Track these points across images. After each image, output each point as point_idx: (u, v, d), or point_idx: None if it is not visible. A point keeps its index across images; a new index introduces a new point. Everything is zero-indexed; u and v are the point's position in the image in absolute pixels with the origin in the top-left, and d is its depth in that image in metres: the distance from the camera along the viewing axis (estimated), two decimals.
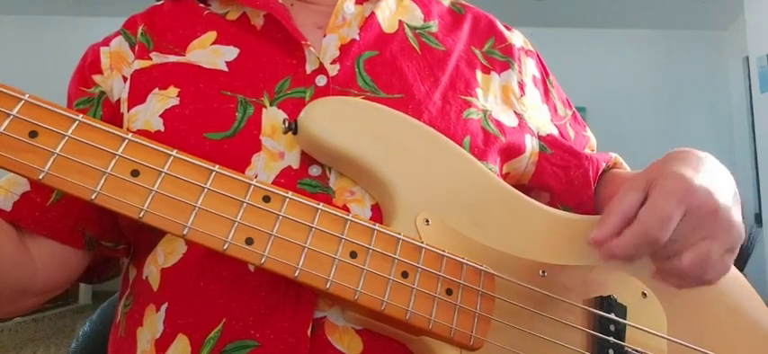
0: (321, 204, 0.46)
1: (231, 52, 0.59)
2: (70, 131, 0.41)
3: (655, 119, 4.66)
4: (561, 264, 0.52)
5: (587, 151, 0.73)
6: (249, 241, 0.43)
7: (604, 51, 4.84)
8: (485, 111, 0.62)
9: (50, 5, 4.79)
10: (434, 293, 0.46)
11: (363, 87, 0.57)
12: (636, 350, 0.51)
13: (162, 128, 0.54)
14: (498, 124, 0.62)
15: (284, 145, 0.53)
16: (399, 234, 0.47)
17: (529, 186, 0.68)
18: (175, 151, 0.44)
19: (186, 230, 0.41)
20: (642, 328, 0.51)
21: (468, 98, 0.62)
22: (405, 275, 0.46)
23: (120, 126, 0.57)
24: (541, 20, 4.54)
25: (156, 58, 0.60)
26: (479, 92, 0.64)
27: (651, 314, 0.53)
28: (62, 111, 0.42)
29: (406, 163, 0.52)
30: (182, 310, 0.50)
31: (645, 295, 0.53)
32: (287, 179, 0.51)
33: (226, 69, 0.58)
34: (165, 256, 0.53)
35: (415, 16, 0.67)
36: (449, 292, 0.47)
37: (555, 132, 0.70)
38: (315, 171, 0.52)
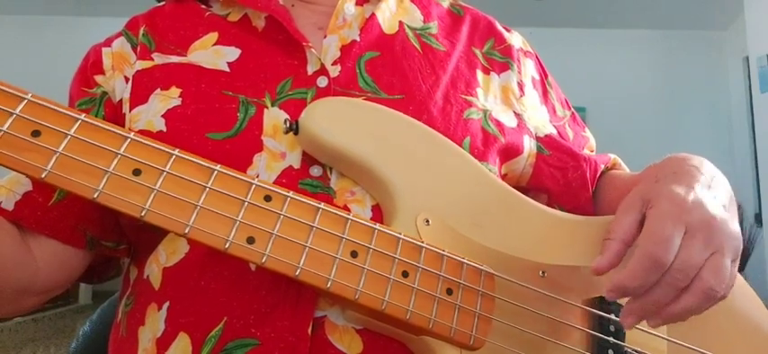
0: (322, 204, 0.46)
1: (233, 53, 0.59)
2: (73, 130, 0.42)
3: (655, 119, 4.67)
4: (561, 264, 0.52)
5: (586, 152, 0.73)
6: (250, 240, 0.43)
7: (604, 51, 4.84)
8: (485, 111, 0.62)
9: (50, 5, 4.79)
10: (435, 292, 0.47)
11: (364, 88, 0.58)
12: (635, 350, 0.51)
13: (164, 129, 0.54)
14: (498, 124, 0.62)
15: (286, 145, 0.53)
16: (400, 233, 0.48)
17: (527, 188, 0.68)
18: (177, 150, 0.44)
19: (188, 229, 0.42)
20: (642, 328, 0.52)
21: (469, 98, 0.62)
22: (405, 274, 0.46)
23: (123, 126, 0.57)
24: (541, 20, 4.54)
25: (158, 59, 0.60)
26: (480, 92, 0.64)
27: None
28: (65, 111, 0.42)
29: (407, 164, 0.52)
30: (183, 309, 0.50)
31: None
32: (288, 179, 0.52)
33: (227, 70, 0.58)
34: (167, 255, 0.53)
35: (415, 17, 0.68)
36: (449, 292, 0.47)
37: (553, 133, 0.70)
38: (316, 171, 0.52)
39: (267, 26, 0.61)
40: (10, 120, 0.40)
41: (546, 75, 0.75)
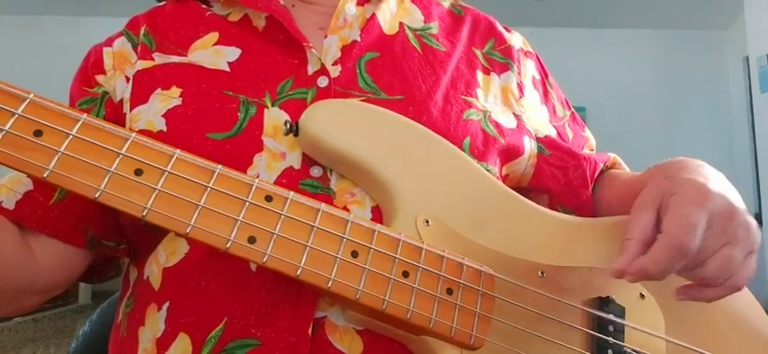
0: (323, 204, 0.46)
1: (233, 53, 0.59)
2: (74, 130, 0.42)
3: (655, 119, 4.67)
4: (560, 265, 0.53)
5: (586, 151, 0.73)
6: (251, 239, 0.43)
7: (604, 51, 4.84)
8: (485, 112, 0.62)
9: (50, 5, 4.79)
10: (435, 292, 0.47)
11: (365, 88, 0.58)
12: (635, 350, 0.51)
13: (164, 128, 0.55)
14: (497, 125, 0.62)
15: (286, 145, 0.53)
16: (400, 234, 0.48)
17: (528, 188, 0.69)
18: (178, 150, 0.44)
19: (189, 228, 0.42)
20: (641, 328, 0.52)
21: (469, 98, 0.62)
22: (405, 274, 0.46)
23: (123, 126, 0.57)
24: (541, 20, 4.54)
25: (159, 59, 0.60)
26: (480, 92, 0.64)
27: (649, 315, 0.53)
28: (67, 111, 0.42)
29: (406, 165, 0.52)
30: (183, 309, 0.50)
31: (643, 296, 0.54)
32: (288, 179, 0.52)
33: (228, 70, 0.58)
34: (166, 256, 0.53)
35: (416, 18, 0.68)
36: (449, 292, 0.47)
37: (553, 133, 0.70)
38: (316, 172, 0.52)
39: (268, 26, 0.61)
40: (12, 120, 0.40)
41: (547, 76, 0.75)
